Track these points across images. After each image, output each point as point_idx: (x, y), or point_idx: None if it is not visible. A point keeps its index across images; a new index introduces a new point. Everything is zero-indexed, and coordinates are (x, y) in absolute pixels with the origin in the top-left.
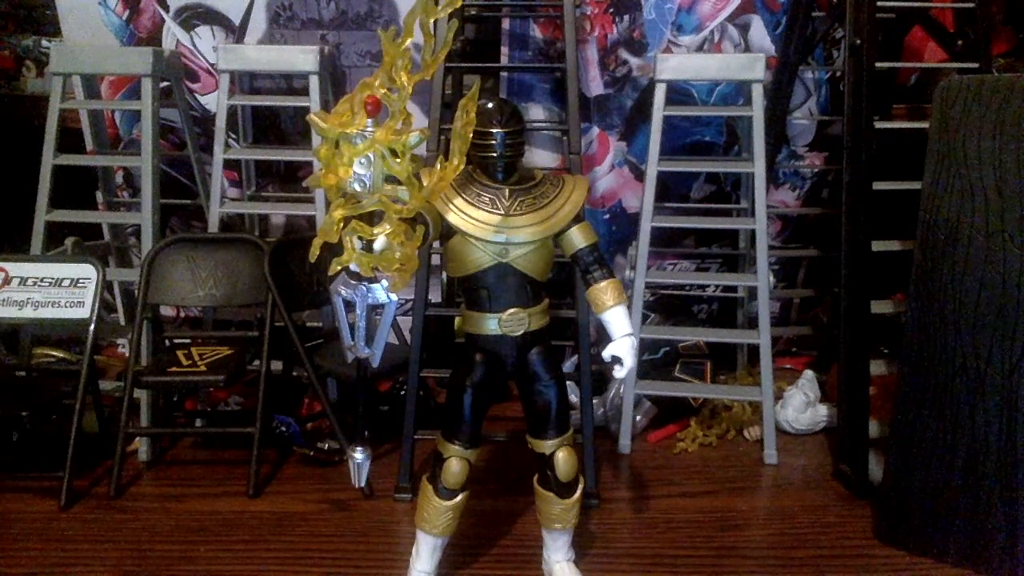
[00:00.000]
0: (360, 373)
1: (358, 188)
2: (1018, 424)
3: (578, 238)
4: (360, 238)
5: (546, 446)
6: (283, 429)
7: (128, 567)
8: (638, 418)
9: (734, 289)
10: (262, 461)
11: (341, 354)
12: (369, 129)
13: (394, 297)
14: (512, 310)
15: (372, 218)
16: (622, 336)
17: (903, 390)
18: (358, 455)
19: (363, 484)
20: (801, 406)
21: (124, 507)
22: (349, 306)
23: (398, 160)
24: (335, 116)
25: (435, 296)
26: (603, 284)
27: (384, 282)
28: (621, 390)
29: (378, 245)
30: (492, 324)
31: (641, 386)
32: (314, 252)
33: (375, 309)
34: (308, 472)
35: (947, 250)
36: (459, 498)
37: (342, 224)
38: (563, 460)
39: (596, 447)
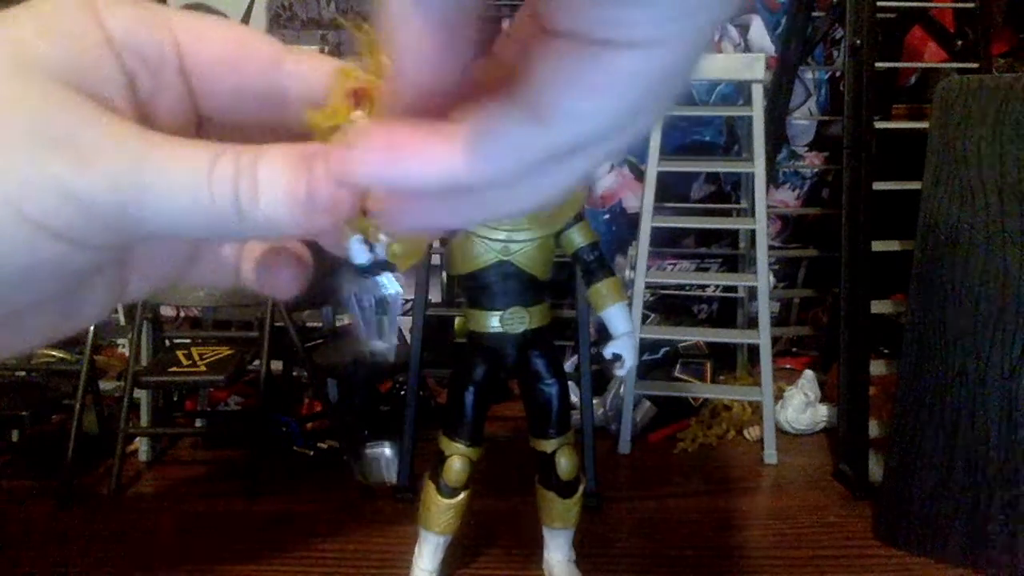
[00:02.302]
0: (359, 373)
1: None
2: (1018, 425)
3: (578, 237)
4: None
5: (547, 445)
6: (283, 429)
7: (128, 567)
8: (638, 418)
9: (734, 289)
10: (262, 461)
11: (342, 353)
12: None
13: (399, 288)
14: (513, 308)
15: None
16: (622, 334)
17: (903, 391)
18: (387, 450)
19: (393, 479)
20: (801, 406)
21: (124, 507)
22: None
23: None
24: (328, 109)
25: (435, 296)
26: (603, 283)
27: (389, 273)
28: (621, 390)
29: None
30: (493, 322)
31: (641, 386)
32: None
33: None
34: (308, 472)
35: (947, 250)
36: (461, 496)
37: None
38: (564, 459)
39: (596, 447)
